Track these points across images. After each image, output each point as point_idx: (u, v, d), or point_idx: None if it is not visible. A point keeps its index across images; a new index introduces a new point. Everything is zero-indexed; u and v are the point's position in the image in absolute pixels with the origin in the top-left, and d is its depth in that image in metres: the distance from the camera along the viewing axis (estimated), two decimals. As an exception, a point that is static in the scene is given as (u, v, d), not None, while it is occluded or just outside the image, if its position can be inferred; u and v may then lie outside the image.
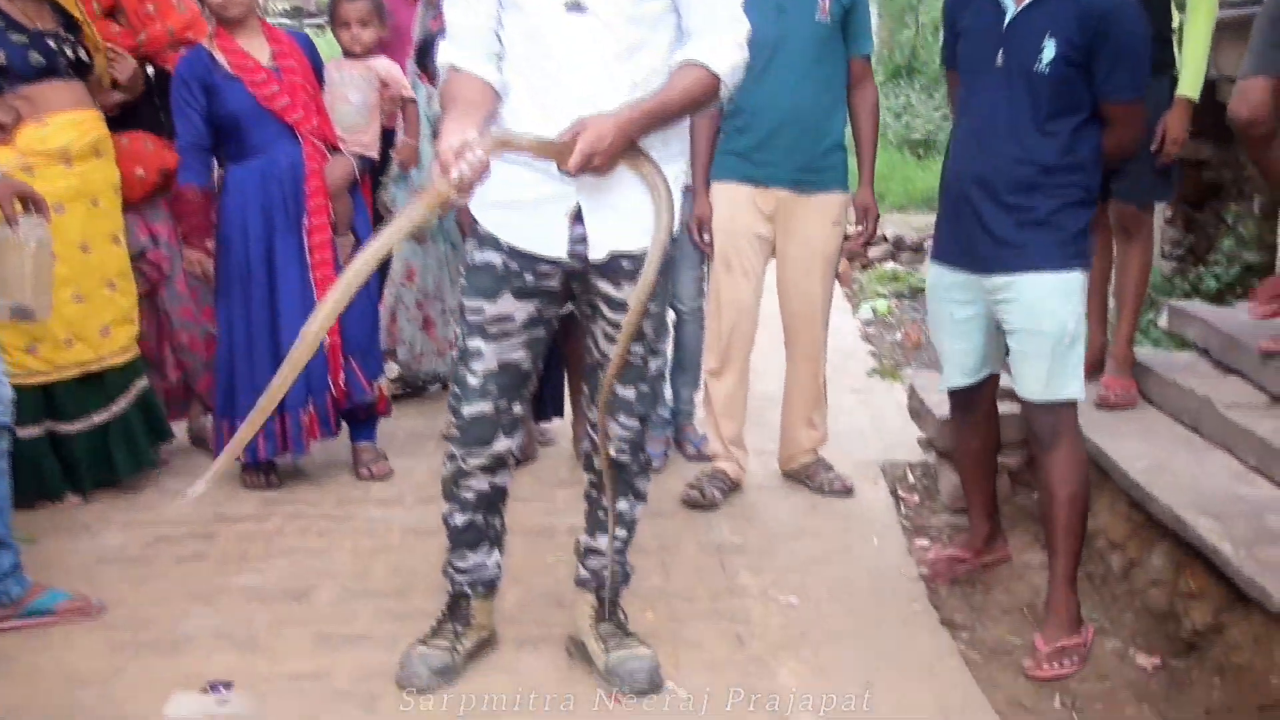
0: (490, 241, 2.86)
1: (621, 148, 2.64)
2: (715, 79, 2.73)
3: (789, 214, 4.11)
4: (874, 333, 7.07)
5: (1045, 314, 3.15)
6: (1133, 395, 4.03)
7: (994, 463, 3.71)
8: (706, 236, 4.16)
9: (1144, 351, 4.38)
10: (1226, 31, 4.63)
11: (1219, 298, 5.03)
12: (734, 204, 4.10)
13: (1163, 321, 4.56)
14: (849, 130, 4.24)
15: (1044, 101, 3.13)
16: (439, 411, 4.96)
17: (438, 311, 4.92)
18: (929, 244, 8.53)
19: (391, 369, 5.02)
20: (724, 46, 2.74)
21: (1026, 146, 3.15)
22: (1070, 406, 3.23)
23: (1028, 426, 3.35)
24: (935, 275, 3.48)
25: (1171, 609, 3.26)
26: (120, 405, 4.20)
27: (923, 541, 4.00)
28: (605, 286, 2.86)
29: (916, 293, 8.04)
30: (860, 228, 4.33)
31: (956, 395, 3.55)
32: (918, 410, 4.47)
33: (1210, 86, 5.14)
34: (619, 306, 2.86)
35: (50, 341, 3.95)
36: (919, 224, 9.30)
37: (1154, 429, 3.82)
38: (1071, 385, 3.20)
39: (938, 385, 4.46)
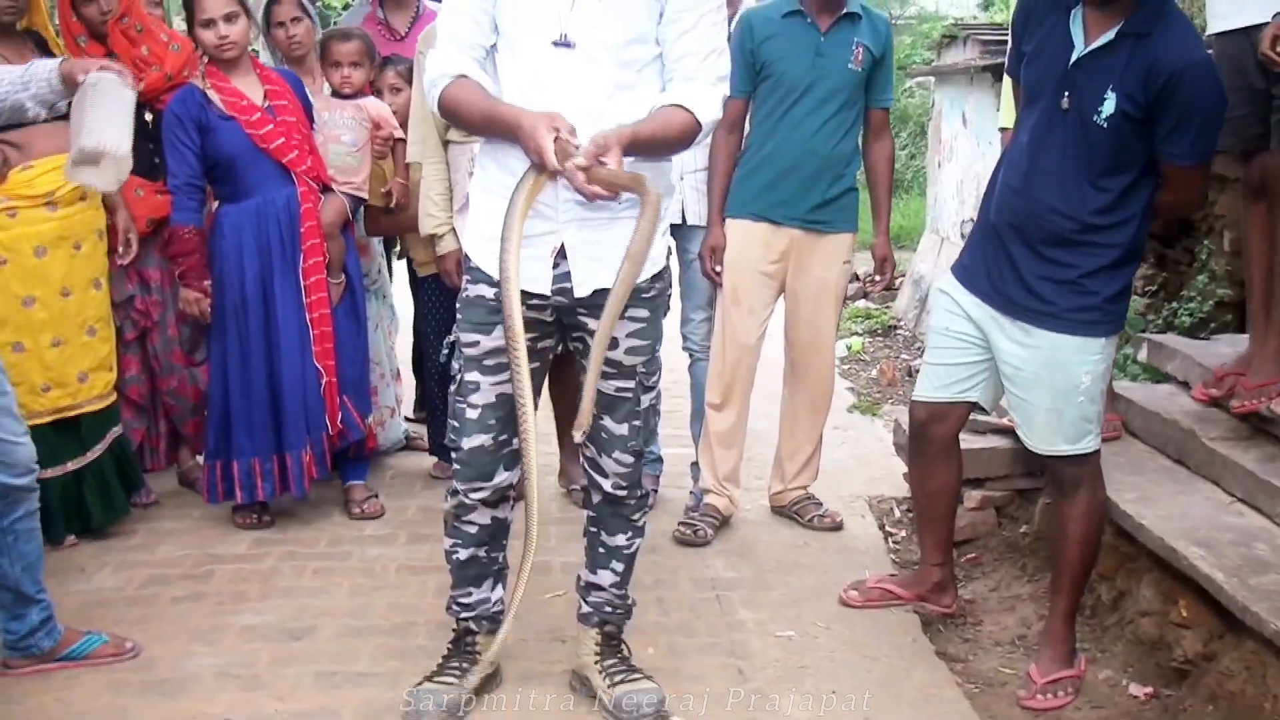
0: (482, 275, 2.90)
1: (622, 154, 2.64)
2: (696, 125, 2.77)
3: (802, 253, 4.19)
4: (850, 370, 7.15)
5: (1060, 369, 3.14)
6: (1117, 427, 4.10)
7: (952, 505, 3.69)
8: (718, 267, 4.21)
9: (1124, 385, 4.47)
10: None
11: (1193, 333, 5.11)
12: (747, 241, 4.16)
13: (1141, 355, 4.65)
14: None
15: (1098, 155, 3.03)
16: (422, 455, 5.04)
17: (377, 376, 4.84)
18: (899, 282, 8.69)
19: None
20: (707, 91, 2.79)
21: (1072, 199, 3.06)
22: (1092, 456, 3.25)
23: (1049, 472, 3.37)
24: (951, 288, 3.40)
25: (1162, 638, 3.33)
26: (95, 452, 4.18)
27: (912, 574, 4.06)
28: (593, 324, 2.88)
29: (889, 330, 8.14)
30: (878, 276, 4.43)
31: (917, 419, 3.52)
32: (903, 445, 4.52)
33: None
34: (609, 343, 2.90)
35: (27, 386, 3.90)
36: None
37: (1139, 461, 3.90)
38: (1086, 441, 3.21)
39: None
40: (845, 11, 4.08)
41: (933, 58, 11.10)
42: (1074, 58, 3.05)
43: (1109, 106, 2.99)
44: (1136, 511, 3.45)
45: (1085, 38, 3.04)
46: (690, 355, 4.54)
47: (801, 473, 4.43)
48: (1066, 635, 3.33)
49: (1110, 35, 2.99)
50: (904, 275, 8.90)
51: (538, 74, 2.77)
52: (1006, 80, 4.12)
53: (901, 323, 8.25)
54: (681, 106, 2.76)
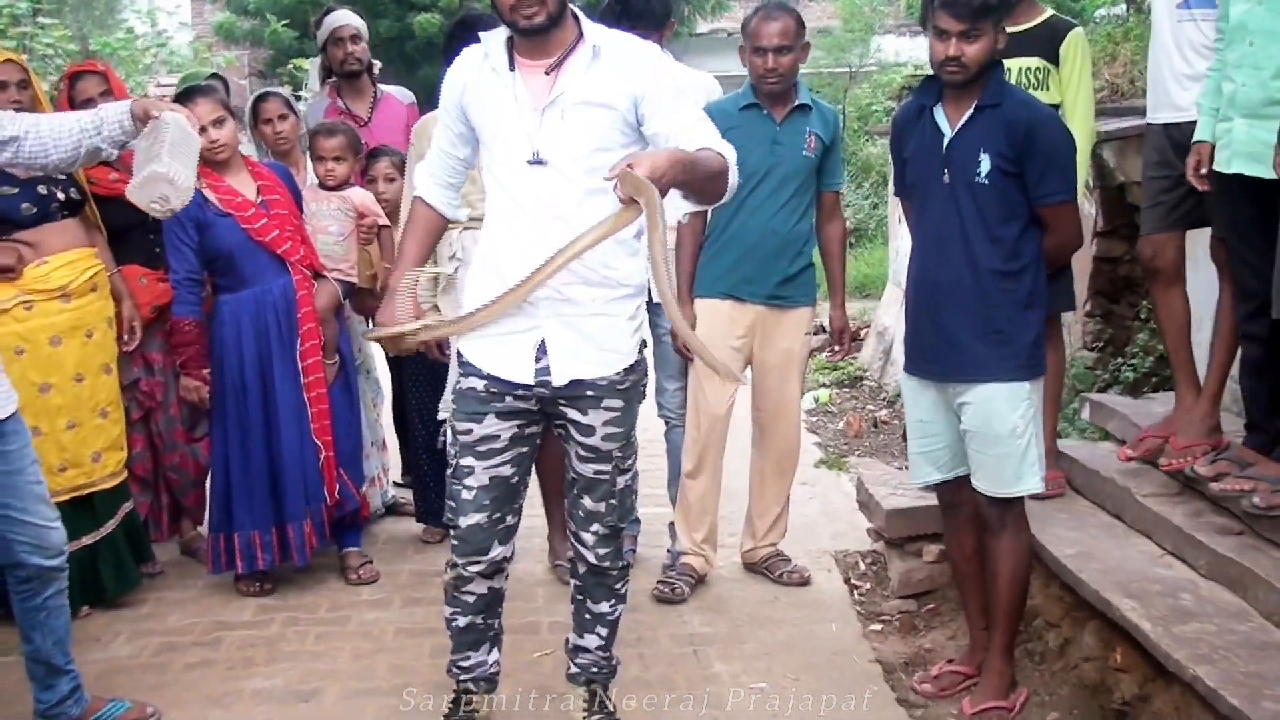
0: (473, 369, 3.21)
1: (675, 175, 2.79)
2: (725, 163, 3.00)
3: (767, 327, 4.49)
4: (817, 422, 7.43)
5: (996, 418, 3.46)
6: (1061, 484, 4.41)
7: (985, 567, 3.83)
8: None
9: (1070, 443, 4.79)
10: (1132, 141, 5.12)
11: (1136, 388, 5.43)
12: (715, 318, 4.44)
13: (1085, 414, 4.97)
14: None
15: (988, 210, 3.44)
16: (410, 519, 5.31)
17: (367, 443, 5.10)
18: (864, 333, 9.01)
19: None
20: (720, 142, 3.04)
21: (977, 253, 3.45)
22: (1019, 500, 3.57)
23: (980, 511, 3.66)
24: (905, 383, 3.78)
25: (1103, 682, 3.61)
26: (108, 527, 4.42)
27: (876, 626, 4.35)
28: (572, 413, 3.20)
29: (856, 381, 8.44)
30: (837, 347, 4.74)
31: (940, 494, 3.80)
32: (866, 503, 4.82)
33: (1121, 189, 5.65)
34: (586, 431, 3.21)
35: (45, 467, 4.05)
36: (851, 311, 9.69)
37: (1081, 516, 4.20)
38: (1027, 480, 3.52)
39: (884, 478, 4.89)
40: (797, 103, 4.41)
41: (893, 106, 11.45)
42: (946, 141, 3.50)
43: (985, 165, 3.43)
44: (1077, 566, 3.75)
45: (950, 124, 3.50)
46: (666, 421, 4.82)
47: (771, 531, 4.72)
48: (1003, 669, 3.65)
49: (970, 112, 3.46)
50: (868, 326, 9.22)
51: (516, 189, 3.09)
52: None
53: (867, 373, 8.54)
54: (712, 149, 2.98)
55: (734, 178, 3.04)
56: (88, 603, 4.39)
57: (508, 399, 3.18)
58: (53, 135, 3.45)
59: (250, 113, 5.04)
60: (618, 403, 3.21)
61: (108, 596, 4.46)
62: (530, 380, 3.15)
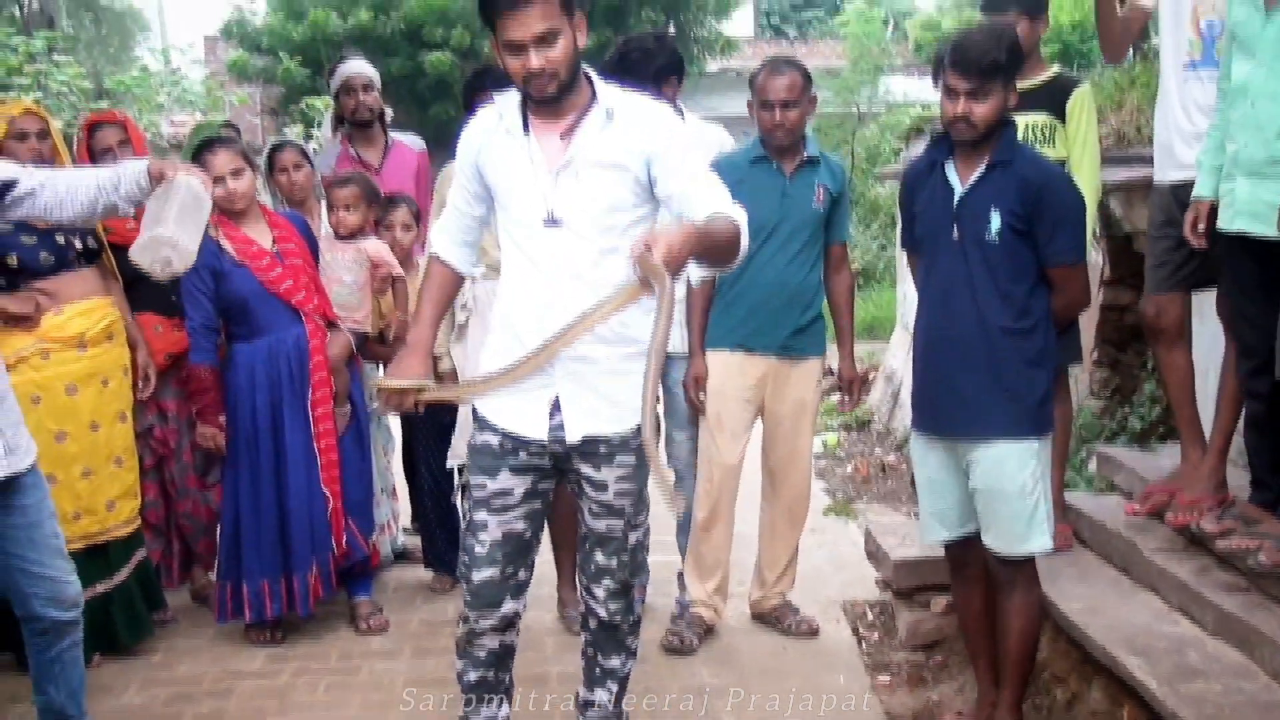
0: (488, 425, 3.25)
1: (690, 253, 2.80)
2: (737, 227, 3.01)
3: (778, 379, 4.53)
4: (825, 466, 7.46)
5: (1005, 476, 3.49)
6: (1069, 537, 4.43)
7: (994, 623, 3.85)
8: (702, 395, 4.51)
9: (1077, 495, 4.81)
10: (1139, 191, 5.16)
11: (1143, 437, 5.45)
12: (727, 370, 4.48)
13: (1093, 465, 5.00)
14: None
15: (997, 267, 3.48)
16: (419, 566, 5.33)
17: (377, 490, 5.11)
18: (872, 376, 9.04)
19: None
20: (728, 201, 3.06)
21: (986, 310, 3.48)
22: (1029, 557, 3.59)
23: (989, 568, 3.69)
24: (914, 441, 3.81)
25: (1112, 738, 3.64)
26: (122, 575, 4.46)
27: (884, 677, 4.36)
28: (586, 469, 3.24)
29: (864, 425, 8.48)
30: (847, 397, 4.78)
31: (949, 550, 3.82)
32: (874, 553, 4.85)
33: (1128, 239, 5.69)
34: (599, 487, 3.25)
35: (59, 515, 4.13)
36: (859, 354, 9.73)
37: (1088, 571, 4.22)
38: (1036, 539, 3.54)
39: (893, 528, 4.91)
40: (806, 156, 4.46)
41: (901, 147, 11.51)
42: (957, 197, 3.54)
43: (996, 223, 3.46)
44: (1084, 621, 3.77)
45: (961, 180, 3.55)
46: (675, 471, 4.85)
47: (780, 580, 4.75)
48: None
49: (981, 170, 3.50)
50: (877, 369, 9.25)
51: (532, 249, 3.14)
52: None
53: (875, 417, 8.58)
54: (718, 214, 3.00)
55: (745, 241, 3.06)
56: (100, 650, 4.41)
57: (522, 454, 3.22)
58: (70, 191, 3.50)
59: (266, 162, 5.11)
60: (630, 459, 3.25)
61: (120, 645, 4.49)
62: (545, 436, 3.19)
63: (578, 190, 3.09)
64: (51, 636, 3.43)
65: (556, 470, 3.30)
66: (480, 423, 3.28)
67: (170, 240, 3.43)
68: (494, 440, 3.23)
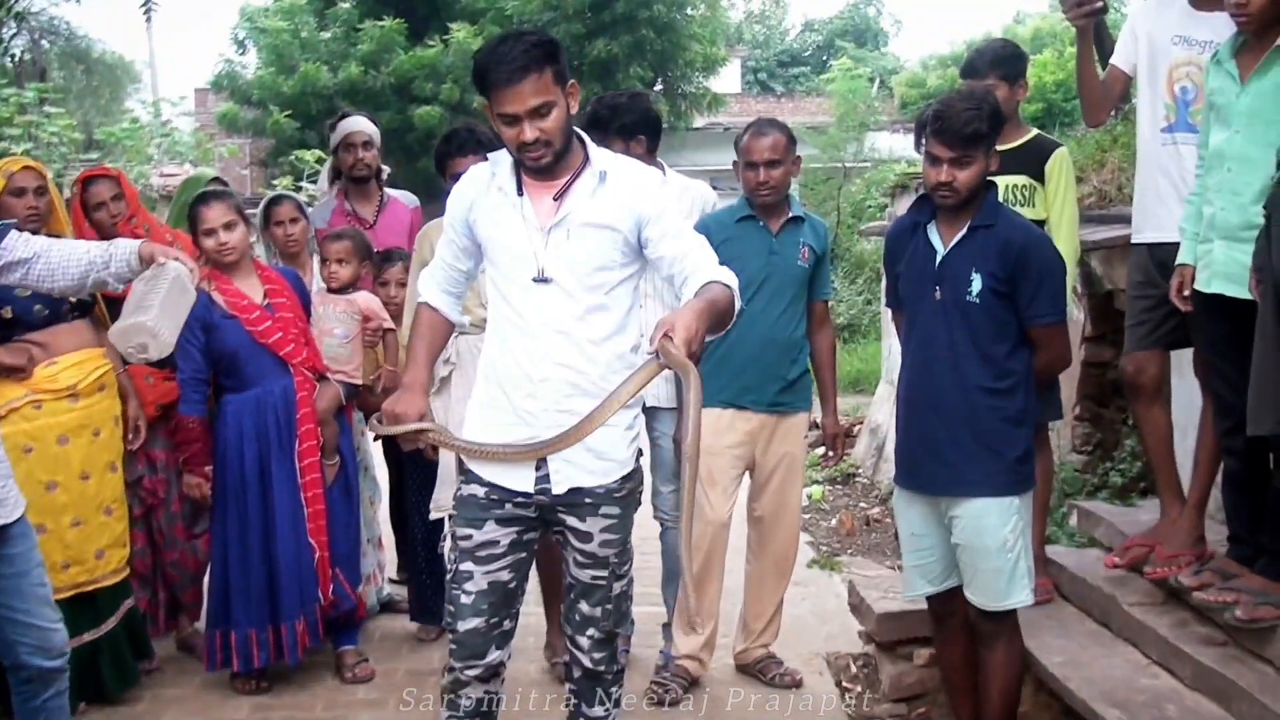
0: (474, 477, 3.29)
1: (705, 329, 2.84)
2: (732, 292, 3.05)
3: (767, 434, 4.57)
4: (810, 519, 7.47)
5: (986, 532, 3.55)
6: (1050, 591, 4.48)
7: (976, 675, 3.90)
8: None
9: (1058, 549, 4.85)
10: (1119, 250, 5.24)
11: (1124, 492, 5.51)
12: (718, 427, 4.51)
13: (1074, 520, 5.05)
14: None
15: (978, 327, 3.56)
16: (404, 616, 5.35)
17: (364, 541, 5.13)
18: (857, 429, 9.09)
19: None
20: (720, 268, 3.11)
21: (966, 369, 3.56)
22: (1012, 612, 3.64)
23: (972, 621, 3.74)
24: (897, 496, 3.88)
25: (1092, 790, 3.67)
26: (110, 624, 4.47)
27: (867, 730, 4.40)
28: (571, 520, 3.28)
29: (849, 478, 8.51)
30: (831, 453, 4.83)
31: (932, 604, 3.87)
32: (857, 606, 4.88)
33: (1108, 296, 5.78)
34: (584, 538, 3.28)
35: (48, 564, 4.08)
36: (844, 407, 9.82)
37: (1068, 624, 4.26)
38: (1017, 594, 3.60)
39: (876, 581, 4.95)
40: (791, 215, 4.54)
41: (887, 203, 11.63)
42: (939, 258, 3.62)
43: (977, 284, 3.55)
44: (1064, 674, 3.82)
45: (943, 242, 3.63)
46: (661, 524, 4.88)
47: (764, 632, 4.78)
48: None
49: (963, 232, 3.59)
50: (861, 422, 9.31)
51: (522, 304, 3.20)
52: None
53: (860, 470, 8.62)
54: (714, 281, 3.03)
55: (739, 304, 3.12)
56: (86, 699, 4.41)
57: (508, 506, 3.26)
58: (62, 263, 3.58)
59: (262, 214, 5.18)
60: (615, 510, 3.29)
61: (107, 693, 4.49)
62: (530, 489, 3.23)
63: (568, 249, 3.15)
64: (37, 685, 3.44)
65: (542, 521, 3.34)
66: (467, 474, 3.33)
67: (151, 330, 3.48)
68: (480, 491, 3.27)
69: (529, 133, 3.03)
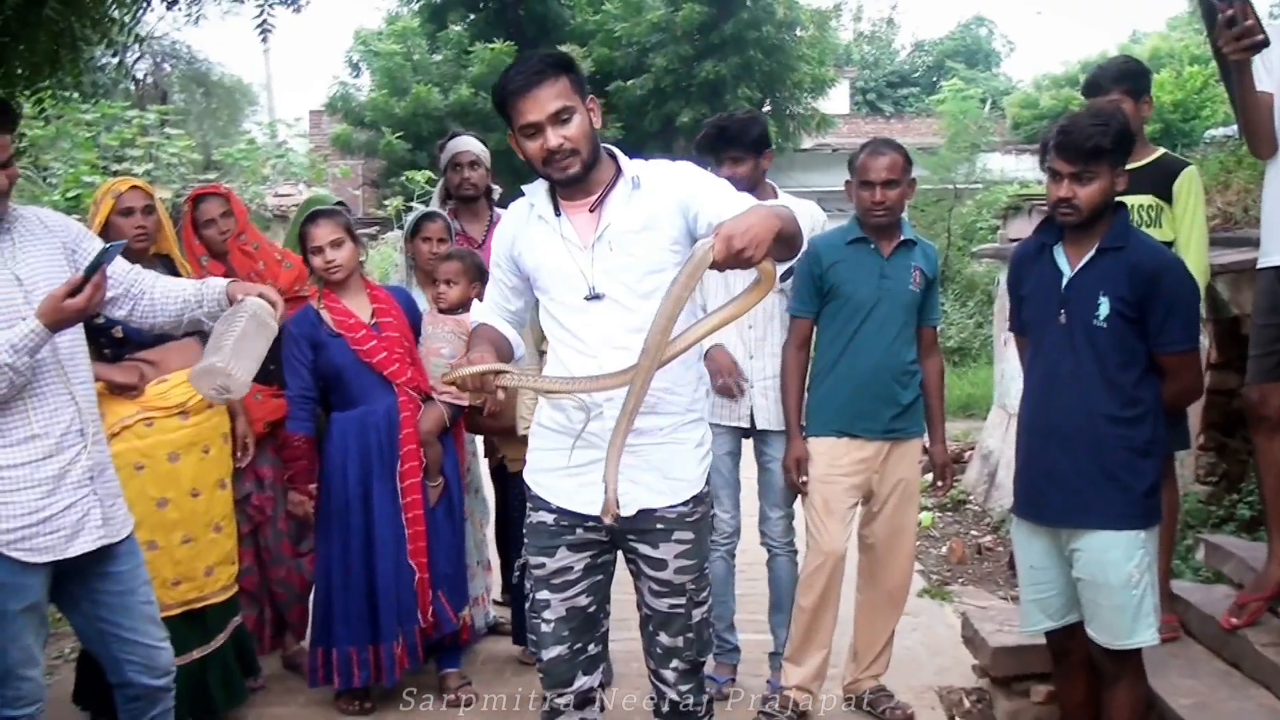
0: (542, 503, 3.24)
1: (768, 233, 2.68)
2: (793, 214, 2.89)
3: (884, 461, 4.45)
4: (920, 546, 7.30)
5: (1110, 567, 3.40)
6: (1175, 628, 4.29)
7: (1098, 715, 3.77)
8: (804, 478, 4.45)
9: (1184, 584, 4.67)
10: (1247, 273, 5.04)
11: (1252, 526, 5.30)
12: (833, 457, 4.41)
13: (1200, 554, 4.85)
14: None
15: (1105, 353, 3.42)
16: (510, 638, 5.31)
17: (473, 563, 5.17)
18: (968, 455, 8.90)
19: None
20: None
21: (1092, 397, 3.42)
22: (1137, 650, 3.49)
23: (1094, 658, 3.59)
24: (1016, 527, 3.75)
25: (1222, 840, 3.50)
26: (218, 641, 4.49)
27: (981, 769, 4.25)
28: (643, 548, 3.20)
29: (959, 505, 8.33)
30: (940, 483, 4.72)
31: (1051, 640, 3.74)
32: (971, 638, 4.73)
33: (1234, 321, 5.56)
34: (658, 565, 3.21)
35: (159, 581, 4.16)
36: (955, 432, 9.63)
37: (1196, 664, 4.08)
38: (1142, 632, 3.45)
39: (990, 614, 4.79)
40: (902, 239, 4.43)
41: (999, 224, 11.42)
42: (1065, 281, 3.48)
43: (1104, 309, 3.40)
44: (1193, 717, 3.65)
45: (1070, 264, 3.49)
46: (769, 551, 4.79)
47: (875, 663, 4.65)
48: None
49: (1091, 254, 3.45)
50: (973, 448, 9.11)
51: (575, 324, 3.14)
52: None
53: (971, 497, 8.43)
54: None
55: (804, 230, 3.03)
56: (194, 715, 4.42)
57: (578, 531, 3.19)
58: (164, 301, 3.63)
59: (411, 227, 5.21)
60: (688, 535, 3.21)
61: (215, 710, 4.50)
62: (599, 511, 3.16)
63: (614, 261, 3.09)
64: (144, 703, 3.45)
65: (614, 544, 3.27)
66: (534, 501, 3.27)
67: (224, 371, 3.48)
68: (549, 519, 3.22)
69: (553, 139, 2.99)
